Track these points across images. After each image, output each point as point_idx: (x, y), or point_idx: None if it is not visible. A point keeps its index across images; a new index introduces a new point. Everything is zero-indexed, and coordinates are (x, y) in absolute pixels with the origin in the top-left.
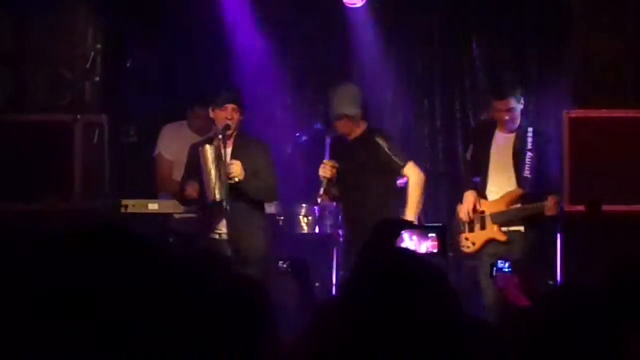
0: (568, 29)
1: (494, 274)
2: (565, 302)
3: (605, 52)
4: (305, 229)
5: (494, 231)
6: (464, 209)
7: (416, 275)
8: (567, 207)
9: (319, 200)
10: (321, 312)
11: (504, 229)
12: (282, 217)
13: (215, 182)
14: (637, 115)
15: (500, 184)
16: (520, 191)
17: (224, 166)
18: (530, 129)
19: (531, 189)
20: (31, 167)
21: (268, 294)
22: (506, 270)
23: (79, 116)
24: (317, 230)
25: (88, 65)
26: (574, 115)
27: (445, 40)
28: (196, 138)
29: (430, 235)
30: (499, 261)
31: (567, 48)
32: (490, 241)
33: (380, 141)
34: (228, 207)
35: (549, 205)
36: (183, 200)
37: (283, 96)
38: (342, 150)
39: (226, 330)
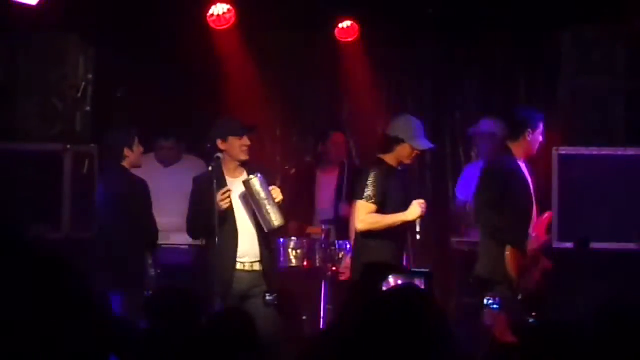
0: (558, 66)
1: (483, 311)
2: (551, 339)
3: (595, 90)
4: (294, 262)
5: (545, 261)
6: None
7: (402, 319)
8: (556, 244)
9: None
10: (308, 347)
11: None
12: None
13: (271, 209)
14: (627, 153)
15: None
16: (549, 219)
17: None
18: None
19: None
20: (20, 196)
21: (254, 327)
22: (494, 307)
23: (69, 146)
24: (305, 263)
25: (79, 95)
26: (563, 152)
27: (436, 73)
28: (161, 169)
29: (417, 280)
30: (488, 299)
31: (557, 85)
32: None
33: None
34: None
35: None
36: (202, 223)
37: (273, 129)
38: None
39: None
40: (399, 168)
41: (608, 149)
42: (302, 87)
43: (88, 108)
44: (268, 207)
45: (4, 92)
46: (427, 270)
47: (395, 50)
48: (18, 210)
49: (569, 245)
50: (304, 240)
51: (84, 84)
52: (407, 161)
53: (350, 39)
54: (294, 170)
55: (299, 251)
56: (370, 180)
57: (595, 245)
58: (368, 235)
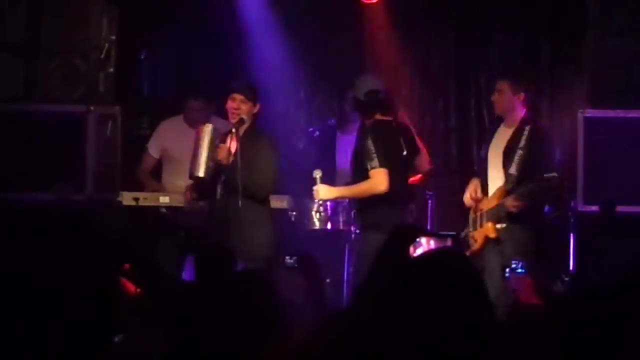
0: (584, 29)
1: (508, 275)
2: (578, 303)
3: (620, 52)
4: (318, 224)
5: (487, 228)
6: (466, 194)
7: (446, 283)
8: (581, 207)
9: None
10: (333, 311)
11: (497, 226)
12: (294, 213)
13: (202, 159)
14: None
15: (495, 180)
16: (504, 187)
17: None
18: (527, 127)
19: (517, 186)
20: (44, 158)
21: (274, 289)
22: (520, 271)
23: (92, 107)
24: (329, 226)
25: (102, 57)
26: (588, 115)
27: (461, 38)
28: (190, 131)
29: (447, 241)
30: (513, 262)
31: (582, 47)
32: (488, 239)
33: (369, 135)
34: (220, 192)
35: (507, 202)
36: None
37: (297, 92)
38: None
39: (233, 325)
40: None
41: (634, 111)
42: (325, 48)
43: (111, 69)
44: (201, 156)
45: (27, 54)
46: (454, 233)
47: (419, 13)
48: (41, 172)
49: (594, 208)
50: (327, 203)
51: (107, 45)
52: None
53: (374, 0)
54: (317, 133)
55: (322, 214)
56: None
57: (620, 208)
58: None
